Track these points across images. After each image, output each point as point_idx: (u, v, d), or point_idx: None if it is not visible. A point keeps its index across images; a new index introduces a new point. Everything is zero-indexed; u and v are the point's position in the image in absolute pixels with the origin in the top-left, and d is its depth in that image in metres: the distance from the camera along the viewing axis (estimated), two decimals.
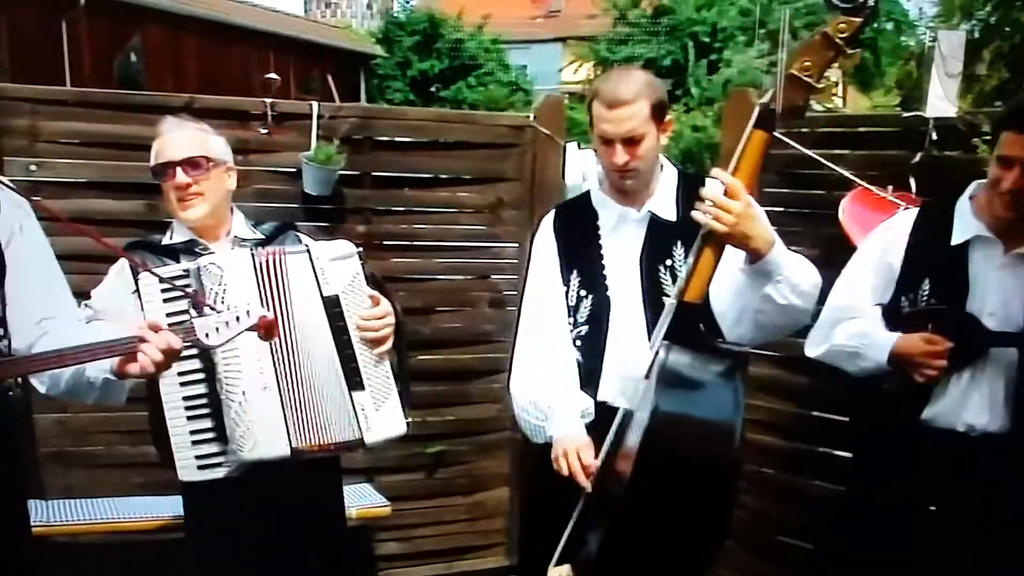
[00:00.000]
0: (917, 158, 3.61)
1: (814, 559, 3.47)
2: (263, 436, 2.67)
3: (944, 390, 2.76)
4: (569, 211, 2.86)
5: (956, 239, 2.80)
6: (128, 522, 3.76)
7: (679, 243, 2.62)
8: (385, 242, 4.45)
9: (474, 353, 4.49)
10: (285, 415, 2.69)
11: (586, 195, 2.81)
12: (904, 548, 2.80)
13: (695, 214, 2.25)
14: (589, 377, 2.69)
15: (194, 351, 2.54)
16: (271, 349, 2.66)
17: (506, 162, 4.54)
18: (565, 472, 2.51)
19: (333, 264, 2.73)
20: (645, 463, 2.11)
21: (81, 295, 2.73)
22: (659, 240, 2.65)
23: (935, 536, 2.75)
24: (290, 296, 2.69)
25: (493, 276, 4.58)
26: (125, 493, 3.91)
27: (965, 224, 2.81)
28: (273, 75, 17.60)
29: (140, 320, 2.45)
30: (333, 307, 2.72)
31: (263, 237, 2.91)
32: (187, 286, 2.59)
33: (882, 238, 2.96)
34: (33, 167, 3.86)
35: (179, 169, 2.75)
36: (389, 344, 2.78)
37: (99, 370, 2.39)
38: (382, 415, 2.75)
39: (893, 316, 2.86)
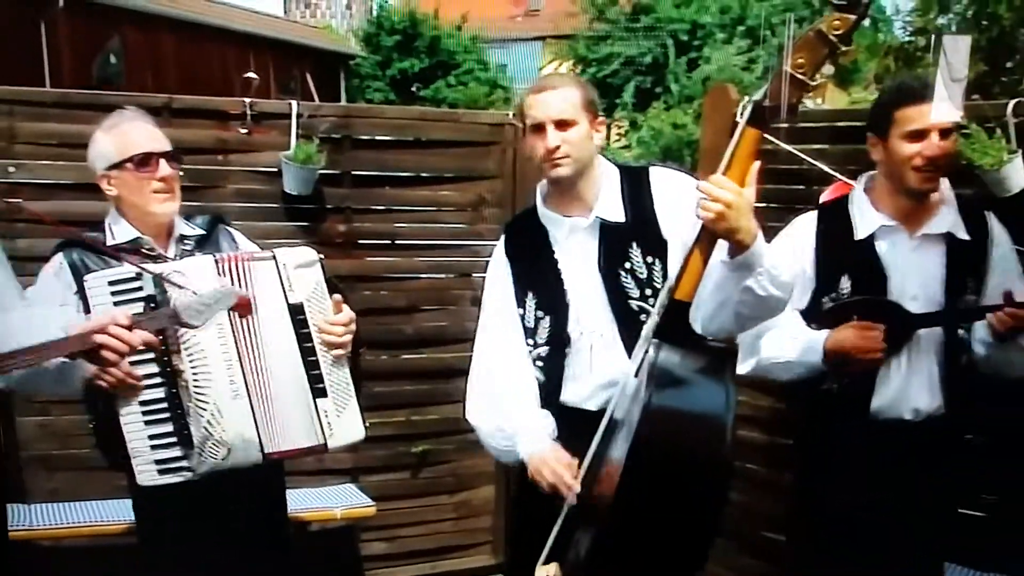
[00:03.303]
0: None
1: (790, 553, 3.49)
2: (237, 444, 2.65)
3: (887, 380, 2.77)
4: (518, 232, 2.81)
5: (861, 233, 2.82)
6: (114, 525, 3.74)
7: (634, 244, 2.58)
8: (366, 241, 4.45)
9: (457, 352, 4.45)
10: (256, 423, 2.68)
11: (532, 211, 2.75)
12: (863, 541, 2.81)
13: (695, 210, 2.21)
14: (553, 392, 2.67)
15: (151, 355, 2.53)
16: (239, 356, 2.65)
17: (487, 160, 4.54)
18: (547, 486, 2.49)
19: (298, 271, 2.70)
20: (638, 461, 2.11)
21: None
22: (614, 244, 2.60)
23: (893, 525, 2.77)
24: (256, 303, 2.64)
25: (475, 274, 4.55)
26: (111, 496, 3.86)
27: (865, 217, 2.83)
28: (252, 73, 17.50)
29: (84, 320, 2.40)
30: (298, 314, 2.69)
31: (202, 233, 2.87)
32: (139, 288, 2.51)
33: (787, 244, 2.91)
34: (12, 168, 3.84)
35: (163, 161, 2.70)
36: (348, 349, 2.75)
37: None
38: (343, 421, 2.75)
39: (813, 316, 2.84)
